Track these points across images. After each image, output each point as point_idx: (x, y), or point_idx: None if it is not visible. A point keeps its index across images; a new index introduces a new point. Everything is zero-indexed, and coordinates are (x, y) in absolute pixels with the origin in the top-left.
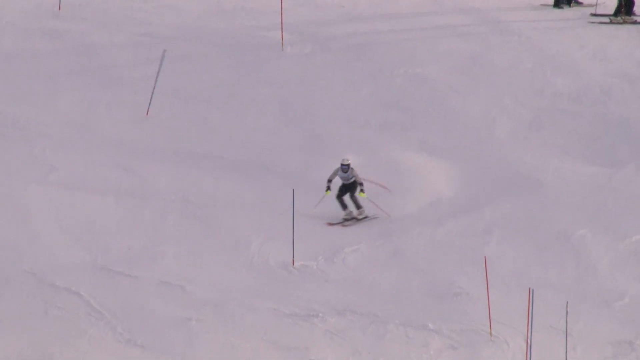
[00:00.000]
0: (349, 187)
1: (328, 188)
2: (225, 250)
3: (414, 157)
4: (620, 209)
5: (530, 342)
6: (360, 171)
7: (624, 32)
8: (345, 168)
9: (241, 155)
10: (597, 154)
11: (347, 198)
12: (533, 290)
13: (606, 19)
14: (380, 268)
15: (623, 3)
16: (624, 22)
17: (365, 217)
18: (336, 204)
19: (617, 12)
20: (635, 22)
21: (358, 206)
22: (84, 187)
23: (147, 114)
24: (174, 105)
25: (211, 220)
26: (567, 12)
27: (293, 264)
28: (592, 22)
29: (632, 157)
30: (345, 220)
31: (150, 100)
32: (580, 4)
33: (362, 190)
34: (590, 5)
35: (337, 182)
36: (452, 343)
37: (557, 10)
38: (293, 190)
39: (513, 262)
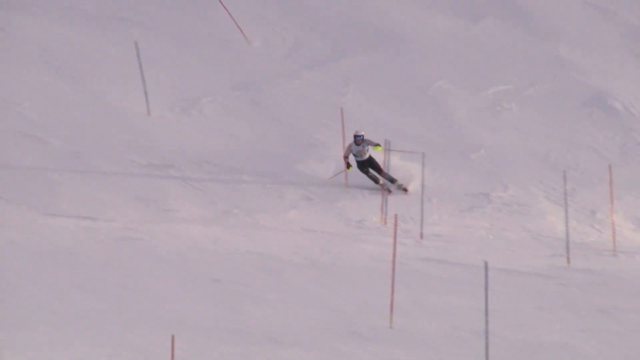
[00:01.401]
0: (366, 164)
1: (348, 164)
2: (84, 101)
3: None
4: (478, 61)
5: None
6: None
7: None
8: (359, 139)
9: None
10: (456, 6)
11: (372, 175)
12: (390, 141)
13: None
14: (237, 119)
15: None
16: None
17: (404, 189)
18: None
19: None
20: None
21: (392, 180)
22: None
23: None
24: None
25: (71, 70)
26: None
27: (149, 114)
28: None
29: (490, 10)
30: (389, 189)
31: None
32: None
33: (377, 145)
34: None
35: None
36: (308, 194)
37: None
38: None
39: (371, 114)
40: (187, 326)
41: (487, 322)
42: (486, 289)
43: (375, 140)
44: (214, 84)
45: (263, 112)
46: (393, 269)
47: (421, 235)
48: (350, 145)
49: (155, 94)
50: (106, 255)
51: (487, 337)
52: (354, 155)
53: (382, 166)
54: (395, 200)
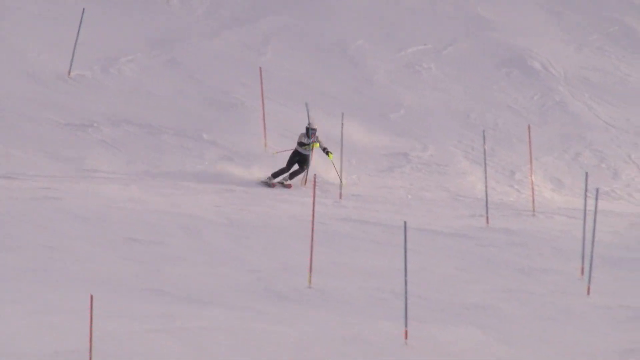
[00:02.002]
0: (297, 158)
1: (308, 143)
2: (1, 60)
3: None
4: (397, 21)
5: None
6: None
7: None
8: (312, 133)
9: None
10: None
11: (292, 170)
12: (308, 102)
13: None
14: (156, 78)
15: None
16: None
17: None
18: None
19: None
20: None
21: (291, 176)
22: None
23: None
24: None
25: None
26: None
27: (69, 74)
28: None
29: None
30: (267, 182)
31: None
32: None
33: (328, 153)
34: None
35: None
36: (227, 153)
37: None
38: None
39: (290, 73)
40: (106, 285)
41: (406, 282)
42: (405, 249)
43: (325, 145)
44: (132, 43)
45: (182, 71)
46: (312, 229)
47: (340, 196)
48: (301, 135)
49: (75, 54)
50: (25, 214)
51: (406, 298)
52: (299, 144)
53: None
54: (315, 160)
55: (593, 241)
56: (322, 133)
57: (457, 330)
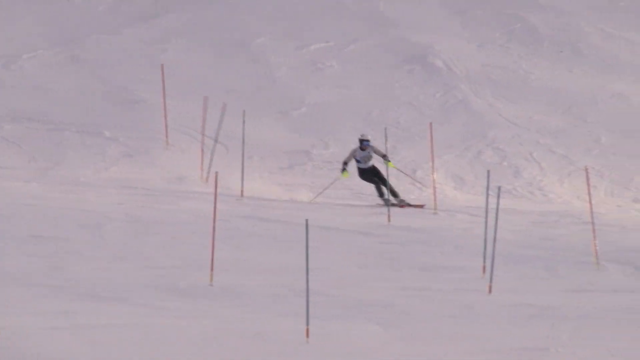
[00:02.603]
0: (371, 173)
1: (344, 169)
2: None
3: None
4: (299, 18)
5: (205, 150)
6: None
7: None
8: (366, 144)
9: None
10: None
11: (379, 187)
12: (207, 97)
13: None
14: (58, 75)
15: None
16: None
17: (403, 203)
18: None
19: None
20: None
21: (394, 193)
22: None
23: None
24: None
25: None
26: None
27: None
28: None
29: None
30: (391, 203)
31: None
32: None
33: (389, 160)
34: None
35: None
36: (129, 150)
37: None
38: None
39: (192, 69)
40: (7, 282)
41: (307, 279)
42: (307, 246)
43: (382, 150)
44: (34, 40)
45: (84, 68)
46: (214, 227)
47: (242, 193)
48: (354, 150)
49: None
50: None
51: (307, 295)
52: (357, 161)
53: (385, 176)
54: (216, 157)
55: (495, 239)
56: (224, 129)
57: (359, 328)
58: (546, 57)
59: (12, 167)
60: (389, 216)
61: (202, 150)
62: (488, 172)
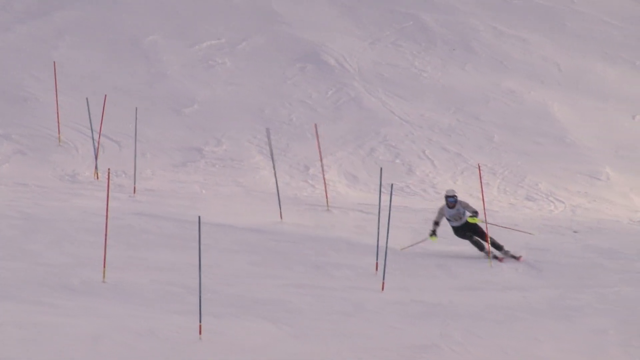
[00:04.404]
0: (465, 229)
1: (433, 232)
2: None
3: None
4: (191, 15)
5: (98, 146)
6: None
7: None
8: (452, 202)
9: None
10: None
11: (475, 241)
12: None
13: None
14: None
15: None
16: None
17: (511, 256)
18: None
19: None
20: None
21: (499, 247)
22: None
23: None
24: None
25: None
26: None
27: None
28: None
29: None
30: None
31: None
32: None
33: (473, 215)
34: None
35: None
36: (21, 148)
37: None
38: None
39: (84, 67)
40: None
41: (200, 277)
42: (200, 244)
43: (473, 207)
44: None
45: None
46: (106, 224)
47: (134, 190)
48: (442, 209)
49: None
50: None
51: (200, 292)
52: (448, 220)
53: (485, 230)
54: (108, 155)
55: (387, 237)
56: (116, 127)
57: (251, 325)
58: (438, 55)
59: None
60: (280, 214)
61: (95, 148)
62: (381, 169)
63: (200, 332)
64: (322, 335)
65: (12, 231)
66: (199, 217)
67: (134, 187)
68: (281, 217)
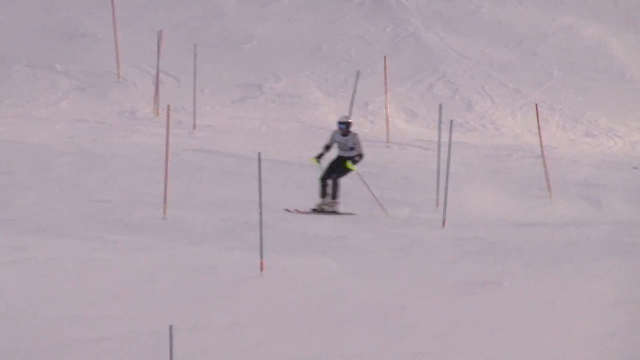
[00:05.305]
0: (341, 164)
1: (319, 157)
2: None
3: None
4: None
5: (158, 83)
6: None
7: None
8: (342, 128)
9: None
10: None
11: (331, 181)
12: (161, 31)
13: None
14: (5, 8)
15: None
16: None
17: (334, 212)
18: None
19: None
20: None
21: (334, 195)
22: None
23: None
24: None
25: None
26: None
27: None
28: None
29: None
30: (315, 210)
31: None
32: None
33: (354, 162)
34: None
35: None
36: (80, 84)
37: None
38: None
39: (141, 3)
40: None
41: (261, 213)
42: (260, 180)
43: (361, 148)
44: None
45: (31, 1)
46: (166, 160)
47: (194, 126)
48: (334, 133)
49: None
50: None
51: (261, 229)
52: (337, 144)
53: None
54: (167, 91)
55: (448, 173)
56: (173, 63)
57: (312, 262)
58: None
59: None
60: None
61: (155, 84)
62: (440, 105)
63: (261, 269)
64: (381, 272)
65: (70, 168)
66: (259, 153)
67: (193, 124)
68: None
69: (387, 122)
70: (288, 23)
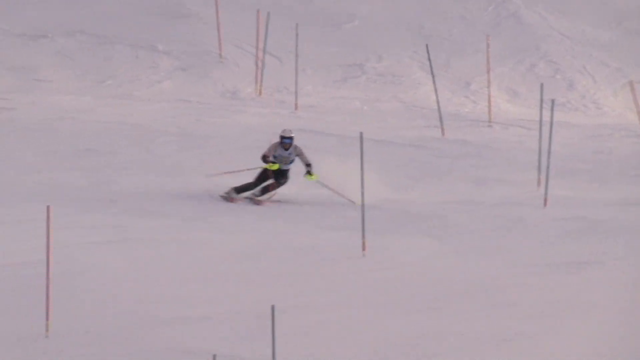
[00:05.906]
0: (282, 175)
1: (273, 162)
2: None
3: None
4: None
5: (263, 64)
6: None
7: None
8: (287, 142)
9: None
10: None
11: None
12: (259, 11)
13: None
14: None
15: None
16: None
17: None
18: None
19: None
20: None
21: (263, 191)
22: None
23: None
24: None
25: None
26: None
27: None
28: None
29: None
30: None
31: None
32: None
33: (310, 172)
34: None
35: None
36: (182, 64)
37: None
38: None
39: None
40: (57, 196)
41: (363, 194)
42: (362, 160)
43: (307, 157)
44: None
45: None
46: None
47: (296, 106)
48: (275, 145)
49: None
50: None
51: (363, 209)
52: (279, 159)
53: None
54: (269, 71)
55: (549, 152)
56: (277, 42)
57: (413, 241)
58: None
59: (66, 81)
60: (442, 129)
61: (257, 65)
62: (541, 85)
63: (363, 248)
64: (482, 251)
65: (170, 148)
66: (361, 132)
67: (296, 103)
68: (443, 133)
69: (489, 101)
70: (389, 2)
